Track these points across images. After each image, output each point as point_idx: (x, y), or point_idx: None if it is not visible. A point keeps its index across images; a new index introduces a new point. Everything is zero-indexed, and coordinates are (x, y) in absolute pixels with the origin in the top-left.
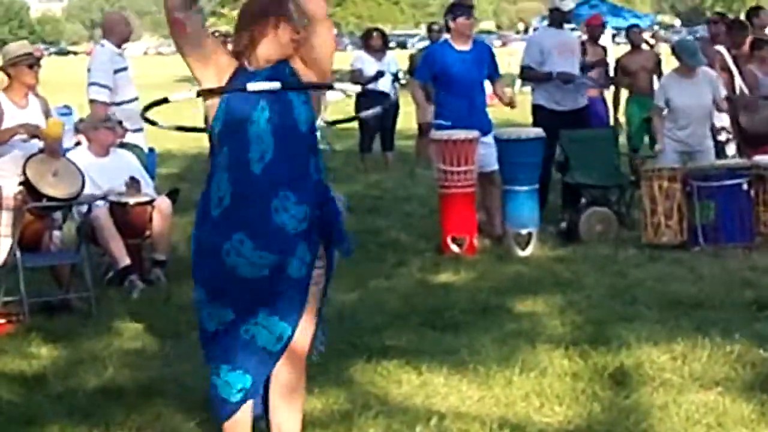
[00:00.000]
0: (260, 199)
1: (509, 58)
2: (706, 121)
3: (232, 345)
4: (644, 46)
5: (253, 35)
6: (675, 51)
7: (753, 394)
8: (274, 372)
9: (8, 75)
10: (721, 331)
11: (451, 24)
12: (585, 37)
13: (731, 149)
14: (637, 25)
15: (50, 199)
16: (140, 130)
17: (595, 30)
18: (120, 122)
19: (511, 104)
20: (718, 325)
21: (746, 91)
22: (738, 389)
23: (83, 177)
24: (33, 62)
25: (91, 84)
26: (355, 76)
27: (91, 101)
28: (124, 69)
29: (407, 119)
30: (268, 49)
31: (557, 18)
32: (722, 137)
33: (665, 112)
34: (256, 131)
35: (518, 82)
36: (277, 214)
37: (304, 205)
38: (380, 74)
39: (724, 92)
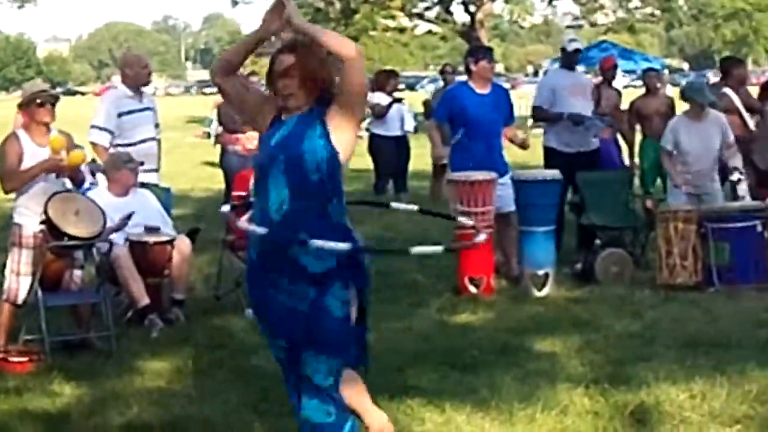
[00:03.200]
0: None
1: (519, 101)
2: (715, 164)
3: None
4: (661, 90)
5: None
6: (684, 93)
7: None
8: None
9: (28, 114)
10: (738, 369)
11: (473, 67)
12: (599, 79)
13: (743, 189)
14: (653, 69)
15: (72, 238)
16: (156, 170)
17: (608, 72)
18: (141, 162)
19: (523, 145)
20: (735, 364)
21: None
22: (757, 427)
23: (105, 216)
24: (45, 100)
25: (90, 127)
26: (375, 110)
27: (92, 144)
28: (140, 110)
29: (418, 161)
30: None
31: (568, 59)
32: (734, 177)
33: (674, 154)
34: (274, 183)
35: (529, 123)
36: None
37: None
38: (397, 100)
39: (731, 136)
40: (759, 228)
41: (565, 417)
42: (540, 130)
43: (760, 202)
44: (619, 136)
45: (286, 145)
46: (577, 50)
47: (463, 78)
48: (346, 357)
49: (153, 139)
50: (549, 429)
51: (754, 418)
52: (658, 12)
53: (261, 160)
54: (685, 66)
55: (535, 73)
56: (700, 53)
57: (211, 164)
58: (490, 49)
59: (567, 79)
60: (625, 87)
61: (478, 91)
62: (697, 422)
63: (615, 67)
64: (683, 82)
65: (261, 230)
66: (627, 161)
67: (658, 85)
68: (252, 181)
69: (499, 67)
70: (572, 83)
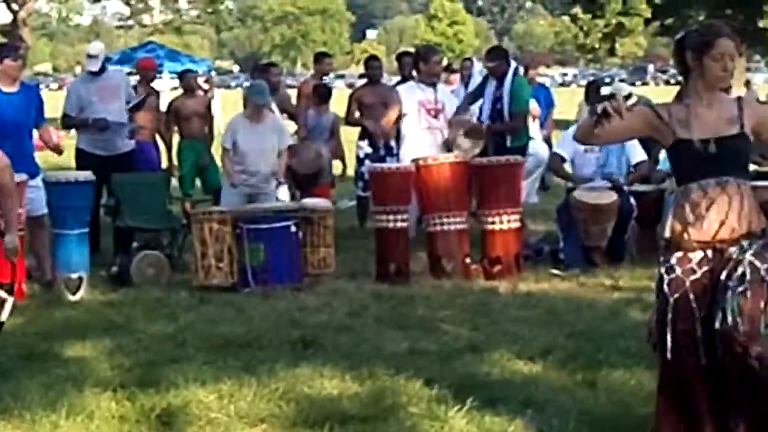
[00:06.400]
0: None
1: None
2: (271, 164)
3: None
4: (199, 91)
5: None
6: (247, 93)
7: (295, 429)
8: None
9: None
10: (267, 369)
11: None
12: (137, 79)
13: (282, 193)
14: (191, 70)
15: None
16: None
17: (147, 73)
18: None
19: (57, 150)
20: (265, 364)
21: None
22: (282, 425)
23: None
24: None
25: None
26: None
27: None
28: None
29: None
30: None
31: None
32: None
33: (232, 153)
34: None
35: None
36: None
37: None
38: None
39: (287, 141)
40: (293, 228)
41: (90, 422)
42: (74, 132)
43: (294, 203)
44: (157, 137)
45: None
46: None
47: None
48: None
49: None
50: None
51: (279, 416)
52: (204, 14)
53: None
54: (236, 68)
55: None
56: (250, 55)
57: None
58: (17, 47)
59: (95, 83)
60: (175, 89)
61: (5, 89)
62: (224, 423)
63: (155, 68)
64: (233, 83)
65: None
66: (165, 162)
67: (206, 86)
68: None
69: (47, 67)
70: (100, 86)
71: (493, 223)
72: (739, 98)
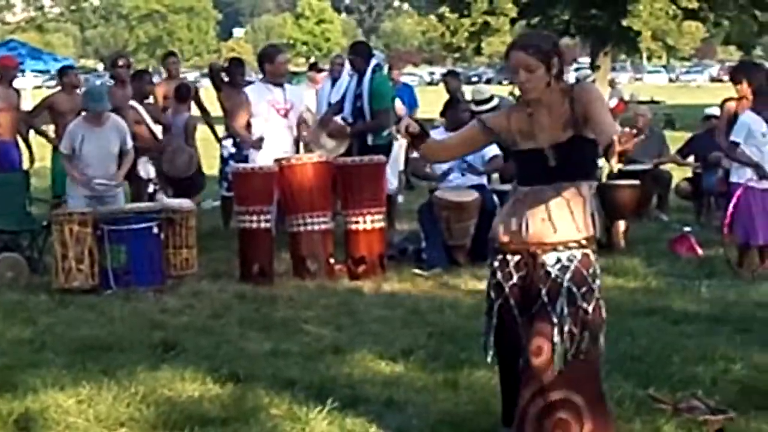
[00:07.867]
0: None
1: None
2: (114, 167)
3: None
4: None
5: None
6: (84, 98)
7: None
8: None
9: None
10: (127, 372)
11: None
12: None
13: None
14: (72, 66)
15: None
16: None
17: (9, 72)
18: None
19: None
20: (125, 367)
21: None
22: (142, 429)
23: None
24: None
25: None
26: None
27: None
28: None
29: None
30: None
31: None
32: (150, 189)
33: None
34: None
35: None
36: None
37: None
38: None
39: (130, 143)
40: (155, 230)
41: None
42: None
43: (156, 204)
44: (19, 138)
45: None
46: None
47: None
48: None
49: None
50: None
51: (139, 420)
52: (67, 11)
53: None
54: (100, 66)
55: None
56: (115, 54)
57: None
58: None
59: None
60: (38, 87)
61: None
62: (83, 427)
63: (16, 67)
64: (98, 82)
65: None
66: (27, 163)
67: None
68: None
69: None
70: None
71: (356, 222)
72: (571, 90)
